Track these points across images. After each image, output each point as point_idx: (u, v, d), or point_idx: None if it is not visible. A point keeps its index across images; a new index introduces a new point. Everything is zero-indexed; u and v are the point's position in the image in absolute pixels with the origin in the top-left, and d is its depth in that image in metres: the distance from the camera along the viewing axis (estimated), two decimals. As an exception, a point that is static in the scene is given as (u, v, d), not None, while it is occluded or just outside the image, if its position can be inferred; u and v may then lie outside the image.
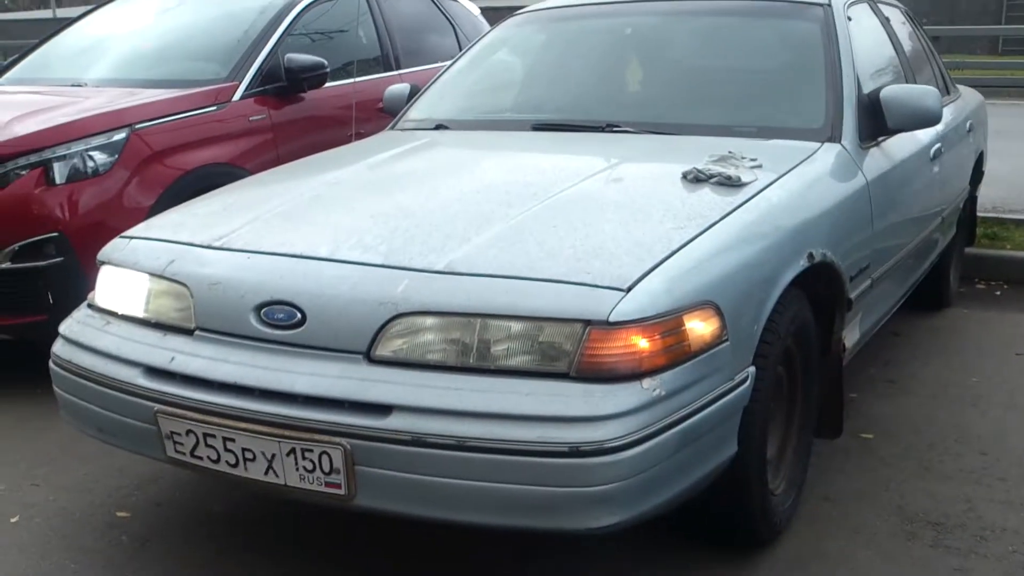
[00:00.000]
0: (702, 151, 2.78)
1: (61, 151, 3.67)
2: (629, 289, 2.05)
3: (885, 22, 3.95)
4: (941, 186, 3.90)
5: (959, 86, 5.10)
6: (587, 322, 2.01)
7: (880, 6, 4.04)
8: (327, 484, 2.10)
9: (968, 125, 4.54)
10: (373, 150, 3.30)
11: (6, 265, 3.55)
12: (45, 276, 3.57)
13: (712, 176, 2.59)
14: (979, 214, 5.41)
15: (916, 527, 2.70)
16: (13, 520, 2.78)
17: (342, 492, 2.09)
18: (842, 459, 3.09)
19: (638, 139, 3.09)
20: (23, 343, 3.69)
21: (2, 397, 3.64)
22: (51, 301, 3.50)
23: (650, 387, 2.00)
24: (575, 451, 1.92)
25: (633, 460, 1.95)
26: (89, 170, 3.72)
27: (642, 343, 2.01)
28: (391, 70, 5.19)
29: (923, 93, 3.17)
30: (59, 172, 3.65)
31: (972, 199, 4.95)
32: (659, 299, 2.06)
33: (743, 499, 2.41)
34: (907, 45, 4.05)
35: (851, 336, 2.97)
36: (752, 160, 2.73)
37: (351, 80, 4.82)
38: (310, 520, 2.72)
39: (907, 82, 3.70)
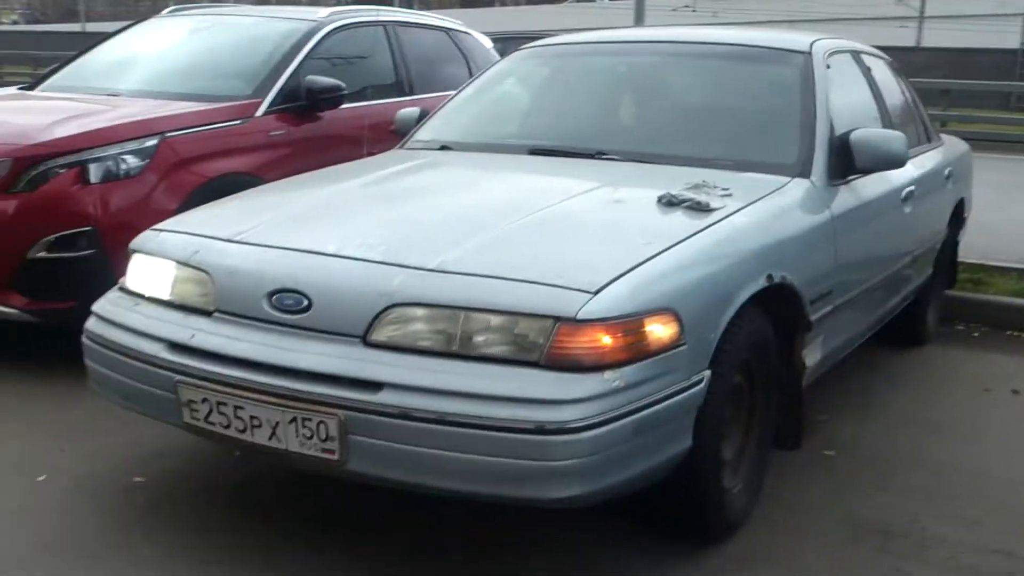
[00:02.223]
0: (679, 179, 3.07)
1: (97, 153, 3.97)
2: (596, 292, 2.33)
3: (866, 71, 4.25)
4: (913, 227, 4.17)
5: (944, 135, 5.39)
6: (557, 318, 2.29)
7: (864, 56, 4.34)
8: (323, 450, 2.37)
9: (947, 172, 4.81)
10: (382, 165, 3.60)
11: (42, 254, 3.85)
12: (76, 266, 3.87)
13: (684, 201, 2.87)
14: (965, 260, 5.65)
15: (863, 533, 2.94)
16: (40, 479, 3.07)
17: (336, 458, 2.36)
18: (802, 471, 3.34)
19: (624, 166, 3.39)
20: (51, 327, 3.98)
21: (33, 375, 3.94)
22: (80, 289, 3.79)
23: (610, 378, 2.28)
24: (540, 429, 2.20)
25: (592, 440, 2.22)
26: (122, 172, 4.03)
27: (605, 339, 2.29)
28: (404, 95, 5.51)
29: (889, 137, 3.46)
30: (94, 173, 3.96)
31: (953, 244, 5.21)
32: (623, 302, 2.34)
33: (698, 493, 2.67)
34: (887, 94, 4.34)
35: (812, 356, 3.24)
36: (724, 189, 3.01)
37: (366, 103, 5.15)
38: (306, 492, 2.99)
39: (882, 127, 3.98)
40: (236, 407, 2.46)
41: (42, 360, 4.09)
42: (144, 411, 2.72)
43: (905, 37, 29.04)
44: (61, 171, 3.92)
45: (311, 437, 2.38)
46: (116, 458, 3.22)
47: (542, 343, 2.30)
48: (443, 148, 3.79)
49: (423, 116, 4.13)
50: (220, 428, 2.51)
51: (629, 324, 2.33)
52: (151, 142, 4.14)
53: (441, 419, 2.25)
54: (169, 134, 4.22)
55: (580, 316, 2.28)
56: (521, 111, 4.05)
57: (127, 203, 4.01)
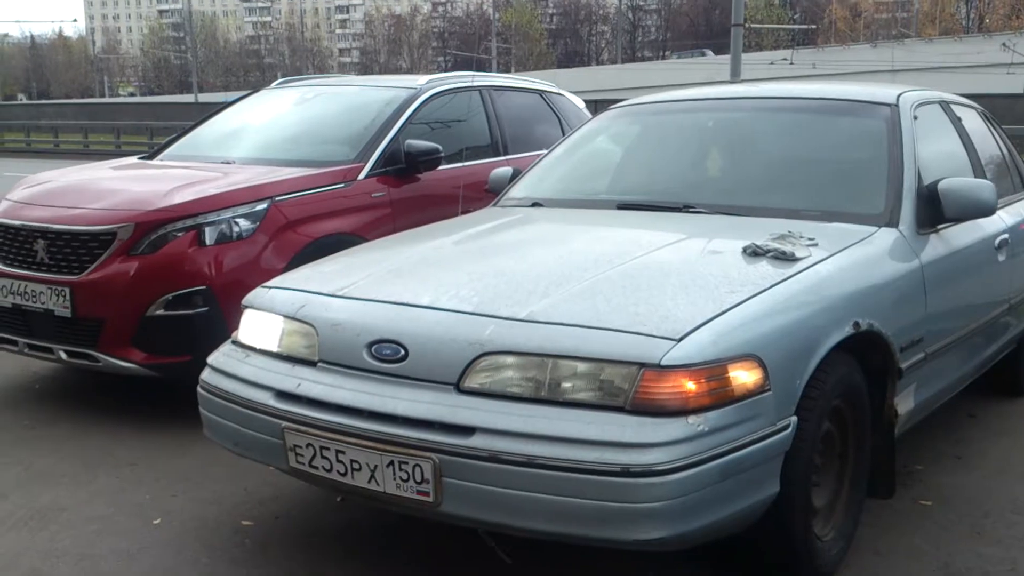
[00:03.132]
0: (765, 230, 3.13)
1: (212, 217, 4.25)
2: (680, 339, 2.41)
3: (956, 121, 4.24)
4: (1009, 275, 4.11)
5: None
6: (642, 364, 2.38)
7: (953, 106, 4.34)
8: (418, 492, 2.50)
9: (1046, 220, 4.72)
10: (476, 222, 3.77)
11: (160, 312, 4.12)
12: (192, 322, 4.13)
13: (769, 251, 2.94)
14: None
15: (958, 582, 2.90)
16: (156, 522, 3.27)
17: (430, 499, 2.48)
18: (897, 519, 3.31)
19: (710, 219, 3.47)
20: (167, 381, 4.24)
21: (150, 426, 4.19)
22: (195, 344, 4.03)
23: (695, 423, 2.35)
24: (626, 471, 2.27)
25: (677, 483, 2.29)
26: (234, 234, 4.29)
27: (689, 385, 2.37)
28: (499, 156, 5.71)
29: (978, 186, 3.46)
30: (209, 235, 4.23)
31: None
32: (705, 348, 2.41)
33: (787, 539, 2.69)
34: (978, 142, 4.32)
35: (905, 404, 3.23)
36: (809, 239, 3.06)
37: (462, 164, 5.36)
38: (406, 536, 3.11)
39: (972, 176, 3.96)
40: (338, 451, 2.60)
41: (158, 413, 4.34)
42: (253, 456, 2.90)
43: (1013, 84, 28.29)
44: (179, 234, 4.19)
45: (407, 479, 2.50)
46: (225, 503, 3.41)
47: (627, 388, 2.38)
48: (534, 205, 3.93)
49: (516, 175, 4.29)
50: (323, 472, 2.65)
51: (712, 370, 2.40)
52: (262, 206, 4.40)
53: (530, 462, 2.35)
54: (278, 198, 4.47)
55: (664, 362, 2.36)
56: (610, 168, 4.18)
57: (239, 263, 4.25)
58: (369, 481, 2.57)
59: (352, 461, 2.58)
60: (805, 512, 2.71)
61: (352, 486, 2.61)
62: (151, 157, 5.62)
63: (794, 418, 2.58)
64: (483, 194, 4.53)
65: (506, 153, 5.77)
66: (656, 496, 2.28)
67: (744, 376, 2.46)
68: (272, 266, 4.25)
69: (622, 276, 2.81)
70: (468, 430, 2.45)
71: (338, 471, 2.62)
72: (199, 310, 4.14)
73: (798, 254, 2.93)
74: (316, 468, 2.67)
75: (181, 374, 3.95)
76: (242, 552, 3.06)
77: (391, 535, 3.16)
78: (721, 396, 2.41)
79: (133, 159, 5.74)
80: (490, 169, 4.61)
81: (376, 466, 2.54)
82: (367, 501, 2.74)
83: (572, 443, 2.34)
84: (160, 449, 3.93)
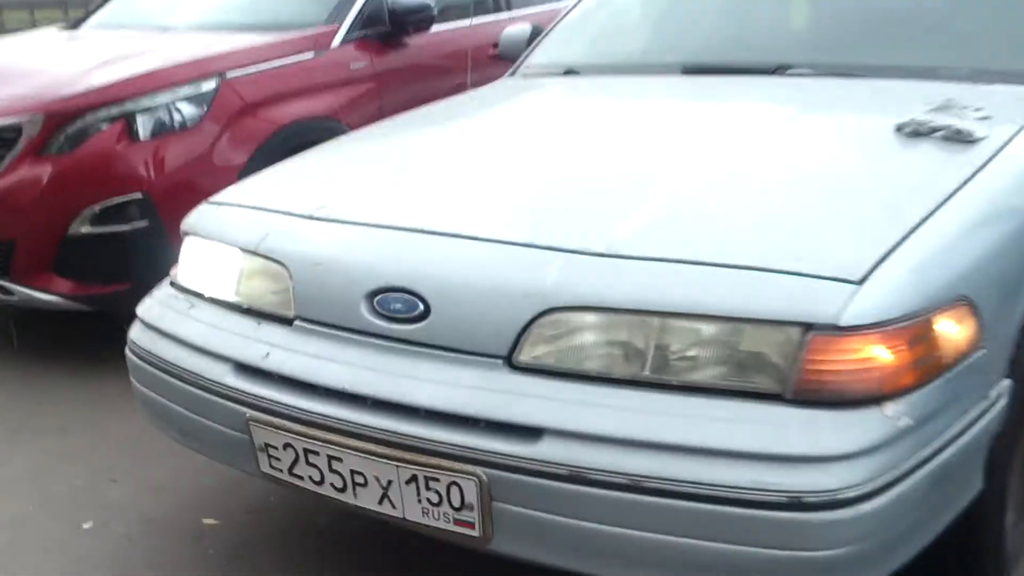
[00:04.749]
0: (909, 99, 2.21)
1: (145, 103, 3.31)
2: (862, 281, 1.53)
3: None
4: None
5: None
6: (807, 326, 1.50)
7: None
8: (456, 521, 1.65)
9: None
10: (496, 101, 2.82)
11: (86, 229, 3.20)
12: (127, 241, 3.21)
13: (936, 129, 2.03)
14: None
15: None
16: (87, 526, 2.42)
17: (475, 533, 1.64)
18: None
19: (819, 84, 2.53)
20: (102, 315, 3.33)
21: (84, 373, 3.30)
22: (134, 268, 3.14)
23: (894, 415, 1.49)
24: (797, 502, 1.43)
25: (875, 516, 1.45)
26: (175, 124, 3.36)
27: (884, 355, 1.50)
28: (501, 11, 4.69)
29: None
30: (143, 126, 3.30)
31: None
32: (905, 295, 1.54)
33: (977, 541, 1.88)
34: None
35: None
36: (977, 110, 2.15)
37: (462, 22, 4.32)
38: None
39: None
40: (331, 457, 1.74)
41: (94, 360, 3.39)
42: (209, 454, 2.04)
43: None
44: (102, 126, 3.25)
45: (438, 503, 1.65)
46: (181, 491, 2.54)
47: (783, 365, 1.51)
48: (568, 73, 2.96)
49: (536, 34, 3.30)
50: (310, 484, 1.80)
51: (916, 327, 1.53)
52: (209, 85, 3.46)
53: (635, 484, 1.50)
54: (230, 74, 3.53)
55: (845, 321, 1.49)
56: (665, 17, 3.16)
57: (184, 162, 3.34)
58: (380, 502, 1.72)
59: (353, 472, 1.73)
60: (1001, 503, 1.90)
61: (355, 506, 1.77)
62: (75, 27, 4.55)
63: (1007, 382, 1.73)
64: (489, 61, 3.62)
65: (509, 8, 4.74)
66: (843, 539, 1.44)
67: (954, 331, 1.59)
68: (227, 162, 3.35)
69: (729, 180, 1.91)
70: (532, 432, 1.59)
71: (333, 484, 1.77)
72: (136, 225, 3.22)
73: (977, 132, 2.02)
74: (300, 478, 1.82)
75: (118, 307, 3.03)
76: (205, 569, 2.24)
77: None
78: (928, 368, 1.54)
79: (51, 30, 4.68)
80: (494, 30, 3.62)
81: (390, 482, 1.69)
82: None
83: (700, 455, 1.49)
84: (96, 409, 3.04)
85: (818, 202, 1.79)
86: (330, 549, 2.29)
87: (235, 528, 2.39)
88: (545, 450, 1.57)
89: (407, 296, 1.75)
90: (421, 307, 1.73)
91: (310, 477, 1.79)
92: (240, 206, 2.16)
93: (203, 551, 2.30)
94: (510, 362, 1.66)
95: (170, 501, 2.51)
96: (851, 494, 1.43)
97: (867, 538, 1.46)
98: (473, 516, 1.63)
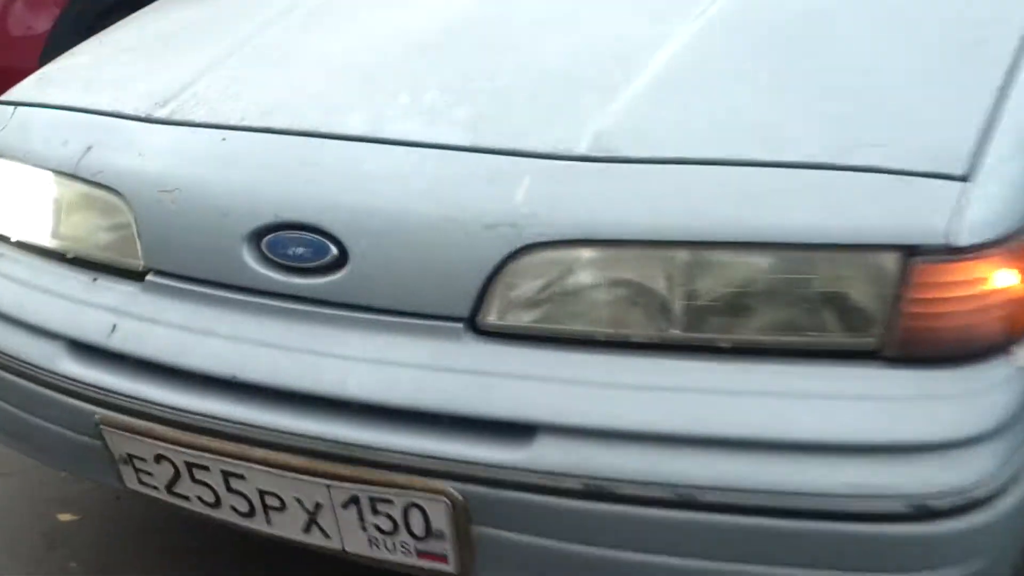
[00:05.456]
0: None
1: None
2: (966, 177, 1.06)
3: None
4: None
5: None
6: (910, 249, 1.04)
7: None
8: (422, 554, 1.18)
9: None
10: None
11: None
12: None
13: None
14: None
15: None
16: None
17: (450, 568, 1.17)
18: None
19: None
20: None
21: None
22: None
23: (1028, 365, 1.07)
24: (922, 511, 1.00)
25: (1010, 516, 1.04)
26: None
27: (1017, 282, 1.06)
28: None
29: None
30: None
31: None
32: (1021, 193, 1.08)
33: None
34: None
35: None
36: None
37: None
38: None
39: None
40: (228, 474, 1.23)
41: None
42: (52, 464, 1.49)
43: None
44: None
45: (393, 532, 1.17)
46: (31, 482, 1.97)
47: (877, 308, 1.05)
48: None
49: None
50: (202, 507, 1.29)
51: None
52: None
53: (681, 499, 1.05)
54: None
55: (963, 240, 1.03)
56: None
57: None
58: (307, 531, 1.23)
59: (264, 494, 1.22)
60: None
61: (272, 535, 1.27)
62: None
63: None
64: None
65: None
66: (976, 548, 1.04)
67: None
68: (26, 31, 2.58)
69: (743, 37, 1.36)
70: (520, 429, 1.10)
71: (236, 509, 1.26)
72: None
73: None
74: (186, 499, 1.30)
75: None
76: (56, 569, 1.72)
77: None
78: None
79: None
80: None
81: (319, 505, 1.19)
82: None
83: (772, 451, 1.04)
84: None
85: (867, 61, 1.28)
86: (195, 542, 1.76)
87: (98, 524, 1.84)
88: (541, 454, 1.09)
89: (311, 235, 1.19)
90: (334, 251, 1.18)
91: (200, 499, 1.28)
92: (46, 106, 1.51)
93: (53, 551, 1.76)
94: (474, 325, 1.15)
95: (15, 489, 1.94)
96: (988, 489, 1.02)
97: (1004, 546, 1.06)
98: (444, 547, 1.16)
